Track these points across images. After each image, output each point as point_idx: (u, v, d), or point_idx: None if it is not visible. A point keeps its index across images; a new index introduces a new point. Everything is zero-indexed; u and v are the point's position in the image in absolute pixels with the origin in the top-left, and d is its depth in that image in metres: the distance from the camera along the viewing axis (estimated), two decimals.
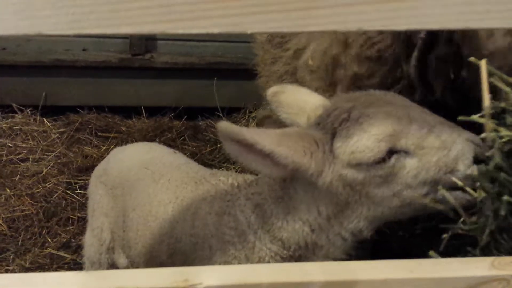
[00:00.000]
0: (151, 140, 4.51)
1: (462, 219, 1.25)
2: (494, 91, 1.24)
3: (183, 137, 4.67)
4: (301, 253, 1.56)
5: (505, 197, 1.13)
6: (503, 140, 1.16)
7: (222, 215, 1.68)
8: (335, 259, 1.56)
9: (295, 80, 2.38)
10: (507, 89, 1.19)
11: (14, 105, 4.81)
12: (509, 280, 1.03)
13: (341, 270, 1.04)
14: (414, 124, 1.39)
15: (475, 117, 1.29)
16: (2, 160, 4.18)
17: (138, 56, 4.98)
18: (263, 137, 1.35)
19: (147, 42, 5.02)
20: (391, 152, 1.39)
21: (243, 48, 4.92)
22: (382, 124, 1.38)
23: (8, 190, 3.80)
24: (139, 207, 2.02)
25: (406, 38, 1.76)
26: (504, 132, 1.16)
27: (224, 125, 1.32)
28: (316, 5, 0.87)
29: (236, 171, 3.76)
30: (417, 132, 1.38)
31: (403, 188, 1.41)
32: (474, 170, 1.33)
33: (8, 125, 4.62)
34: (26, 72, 4.85)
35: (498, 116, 1.22)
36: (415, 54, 1.70)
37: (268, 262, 1.57)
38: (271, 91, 1.74)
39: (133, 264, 2.10)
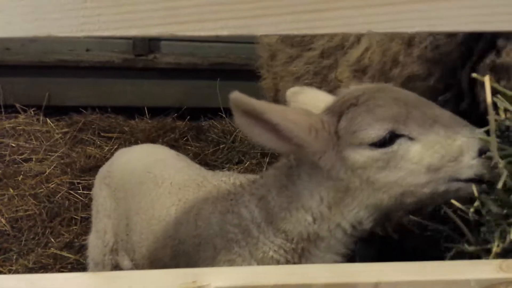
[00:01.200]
0: (154, 140, 4.52)
1: (466, 238, 1.24)
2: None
3: (186, 138, 4.68)
4: (303, 245, 1.55)
5: None
6: (509, 159, 1.15)
7: (225, 213, 1.69)
8: (337, 253, 1.56)
9: (319, 79, 2.37)
10: (511, 107, 1.18)
11: (17, 105, 4.82)
12: None
13: (344, 273, 1.04)
14: (420, 111, 1.39)
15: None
16: (5, 160, 4.18)
17: (141, 57, 4.99)
18: (272, 108, 1.37)
19: (151, 42, 5.03)
20: (394, 135, 1.37)
21: (246, 49, 4.93)
22: (388, 106, 1.39)
23: (11, 190, 3.81)
24: (142, 211, 2.03)
25: (466, 44, 1.74)
26: (509, 150, 1.14)
27: (236, 95, 1.34)
28: (325, 7, 0.87)
29: (238, 172, 3.78)
30: (423, 118, 1.38)
31: (406, 174, 1.38)
32: (478, 162, 1.32)
33: (12, 125, 4.63)
34: (30, 72, 4.87)
35: (502, 134, 1.21)
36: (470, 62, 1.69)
37: (272, 257, 1.58)
38: (291, 91, 1.75)
39: (137, 267, 2.10)
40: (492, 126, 1.12)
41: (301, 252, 1.57)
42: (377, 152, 1.38)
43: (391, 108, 1.39)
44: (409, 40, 1.89)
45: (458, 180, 1.37)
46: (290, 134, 1.39)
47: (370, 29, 0.89)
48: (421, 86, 1.83)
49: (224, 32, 0.89)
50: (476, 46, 1.68)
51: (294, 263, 1.57)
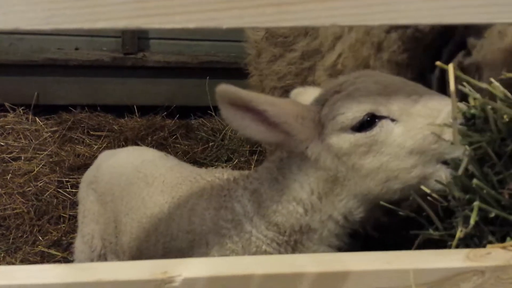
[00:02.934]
0: (143, 138, 4.52)
1: (434, 226, 1.25)
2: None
3: (175, 136, 4.68)
4: (296, 238, 1.55)
5: (476, 203, 1.12)
6: (474, 146, 1.16)
7: (219, 209, 1.68)
8: (329, 245, 1.56)
9: (300, 81, 2.38)
10: (476, 95, 1.19)
11: (6, 104, 4.81)
12: (484, 271, 1.04)
13: (332, 262, 1.05)
14: (401, 92, 1.36)
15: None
16: None
17: (130, 55, 4.99)
18: (259, 96, 1.38)
19: (140, 41, 5.03)
20: (374, 117, 1.36)
21: (235, 47, 4.93)
22: (367, 89, 1.38)
23: None
24: (133, 210, 2.01)
25: (435, 47, 1.75)
26: (475, 137, 1.16)
27: (223, 86, 1.35)
28: (289, 1, 0.88)
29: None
30: (404, 99, 1.35)
31: (390, 159, 1.36)
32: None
33: (0, 124, 4.62)
34: (19, 71, 4.86)
35: (468, 121, 1.22)
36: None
37: (265, 250, 1.57)
38: (294, 92, 1.77)
39: None
40: (454, 112, 1.13)
41: (293, 244, 1.57)
42: (359, 136, 1.37)
43: (370, 90, 1.38)
44: (379, 45, 1.90)
45: (446, 161, 1.33)
46: (278, 121, 1.39)
47: (334, 22, 0.90)
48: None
49: (191, 25, 0.90)
50: (445, 48, 1.70)
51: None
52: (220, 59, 5.07)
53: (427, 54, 1.79)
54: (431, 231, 1.22)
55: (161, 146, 4.40)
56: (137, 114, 4.97)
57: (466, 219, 1.14)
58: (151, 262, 1.03)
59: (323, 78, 2.19)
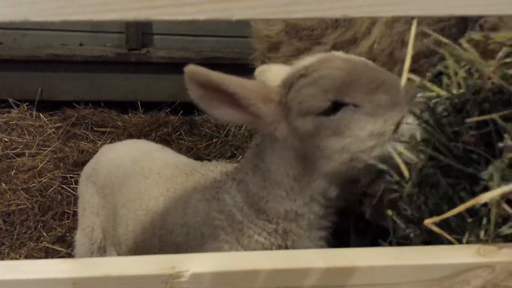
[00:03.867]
0: (147, 134, 4.52)
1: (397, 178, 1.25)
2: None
3: (179, 132, 4.68)
4: (285, 226, 1.57)
5: (428, 149, 1.13)
6: (435, 100, 1.15)
7: (211, 200, 1.70)
8: (319, 228, 1.59)
9: None
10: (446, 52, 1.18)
11: (10, 100, 4.81)
12: (494, 267, 1.03)
13: (339, 257, 1.05)
14: (366, 78, 1.41)
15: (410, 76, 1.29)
16: None
17: (134, 51, 4.98)
18: (229, 78, 1.42)
19: (144, 36, 5.03)
20: (338, 104, 1.41)
21: (239, 43, 4.92)
22: (331, 76, 1.42)
23: (3, 185, 3.81)
24: (129, 202, 2.02)
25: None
26: (438, 90, 1.16)
27: (192, 67, 1.38)
28: None
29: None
30: (368, 85, 1.40)
31: (351, 141, 1.41)
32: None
33: (4, 120, 4.62)
34: (22, 67, 4.85)
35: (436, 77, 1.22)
36: None
37: (257, 240, 1.59)
38: (259, 69, 1.80)
39: None
40: (404, 77, 1.12)
41: (283, 233, 1.59)
42: (323, 120, 1.42)
43: (335, 78, 1.41)
44: (412, 18, 1.89)
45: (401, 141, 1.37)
46: (247, 103, 1.43)
47: (345, 14, 0.89)
48: (427, 63, 1.83)
49: (201, 17, 0.89)
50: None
51: (279, 245, 1.59)
52: (225, 55, 5.06)
53: (459, 24, 1.77)
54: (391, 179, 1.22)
55: (165, 142, 4.39)
56: (141, 110, 4.97)
57: (421, 170, 1.15)
58: (158, 257, 1.03)
59: None
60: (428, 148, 1.15)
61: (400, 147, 1.23)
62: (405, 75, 1.09)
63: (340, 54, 1.57)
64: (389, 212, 1.23)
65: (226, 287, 1.01)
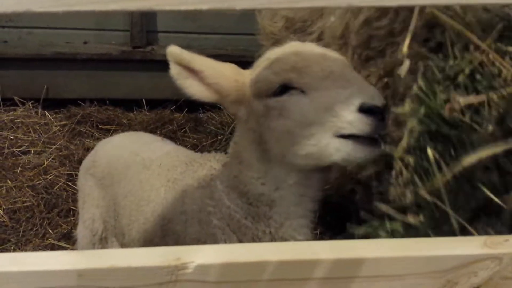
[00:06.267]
0: (152, 132, 4.52)
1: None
2: None
3: (184, 129, 4.68)
4: (265, 211, 1.61)
5: (421, 111, 1.16)
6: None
7: (206, 187, 1.76)
8: (300, 216, 1.62)
9: None
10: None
11: (15, 98, 4.83)
12: (502, 258, 1.03)
13: (347, 249, 1.04)
14: (318, 66, 1.46)
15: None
16: (4, 152, 4.19)
17: (139, 49, 4.98)
18: (200, 59, 1.57)
19: (148, 34, 5.02)
20: (287, 87, 1.47)
21: (243, 40, 4.91)
22: (285, 61, 1.50)
23: (9, 182, 3.82)
24: (131, 193, 2.05)
25: None
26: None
27: (173, 48, 1.57)
28: None
29: None
30: (315, 73, 1.45)
31: (293, 124, 1.45)
32: (358, 118, 1.37)
33: (10, 118, 4.63)
34: (28, 65, 4.86)
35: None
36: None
37: (246, 226, 1.63)
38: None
39: None
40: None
41: (265, 219, 1.62)
42: (271, 101, 1.49)
43: (286, 62, 1.49)
44: None
45: (342, 136, 1.40)
46: (210, 81, 1.55)
47: (349, 3, 0.88)
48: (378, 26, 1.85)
49: (204, 7, 0.89)
50: None
51: (263, 231, 1.62)
52: (229, 53, 5.04)
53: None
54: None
55: (170, 139, 4.35)
56: (146, 107, 4.97)
57: (412, 133, 1.17)
58: (164, 248, 1.02)
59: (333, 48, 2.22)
60: (420, 114, 1.14)
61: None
62: (407, 42, 1.09)
63: (305, 43, 1.64)
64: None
65: (232, 278, 1.01)
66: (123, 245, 2.14)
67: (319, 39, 2.38)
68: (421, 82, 1.18)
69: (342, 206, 2.96)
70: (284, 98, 1.47)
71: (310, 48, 1.58)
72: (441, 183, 1.08)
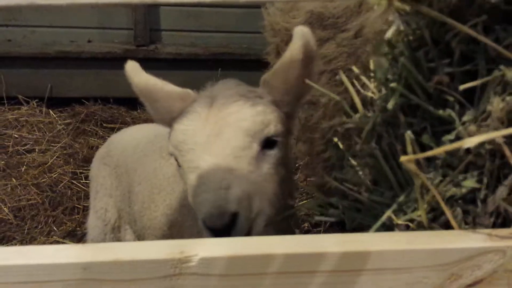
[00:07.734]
0: None
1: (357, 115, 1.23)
2: None
3: None
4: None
5: (399, 88, 1.08)
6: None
7: None
8: (273, 222, 1.53)
9: (353, 61, 2.35)
10: None
11: (20, 96, 4.84)
12: (506, 251, 1.02)
13: (354, 242, 1.04)
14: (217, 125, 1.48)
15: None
16: (9, 151, 4.21)
17: (142, 47, 4.99)
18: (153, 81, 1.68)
19: (152, 33, 5.03)
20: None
21: (247, 38, 4.92)
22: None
23: (14, 180, 3.84)
24: (145, 181, 2.07)
25: None
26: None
27: (130, 65, 1.70)
28: None
29: None
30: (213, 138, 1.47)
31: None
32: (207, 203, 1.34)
33: (14, 116, 4.65)
34: (32, 64, 4.88)
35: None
36: None
37: None
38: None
39: (139, 239, 2.14)
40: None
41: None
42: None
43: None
44: None
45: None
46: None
47: None
48: None
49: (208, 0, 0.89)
50: None
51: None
52: (232, 51, 5.05)
53: None
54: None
55: None
56: None
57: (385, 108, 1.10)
58: (168, 242, 1.02)
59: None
60: (399, 85, 1.07)
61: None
62: None
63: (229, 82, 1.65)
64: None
65: (237, 272, 1.01)
66: (135, 231, 2.17)
67: (356, 37, 2.34)
68: (401, 47, 1.11)
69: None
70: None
71: (223, 87, 1.63)
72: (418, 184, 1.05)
